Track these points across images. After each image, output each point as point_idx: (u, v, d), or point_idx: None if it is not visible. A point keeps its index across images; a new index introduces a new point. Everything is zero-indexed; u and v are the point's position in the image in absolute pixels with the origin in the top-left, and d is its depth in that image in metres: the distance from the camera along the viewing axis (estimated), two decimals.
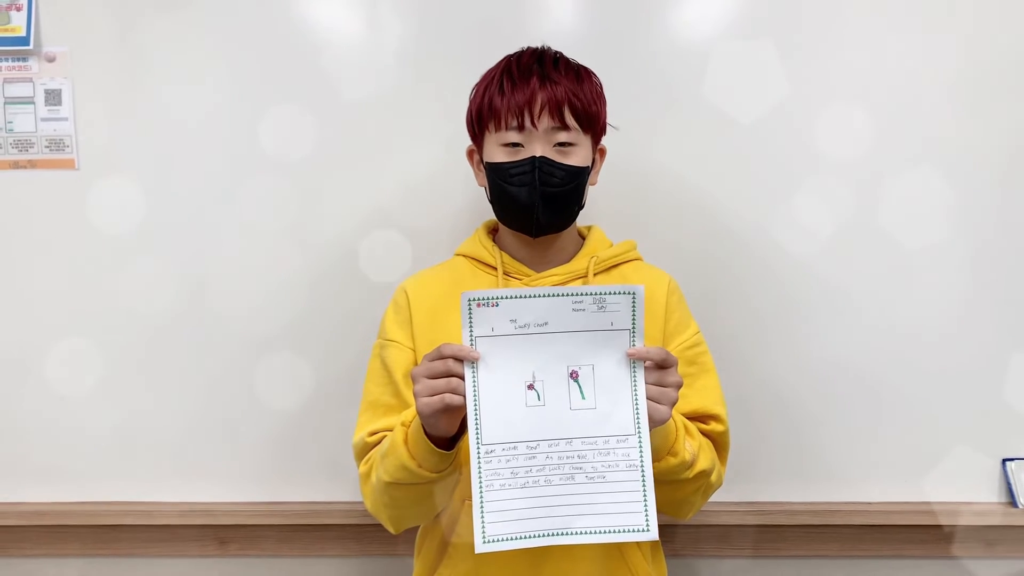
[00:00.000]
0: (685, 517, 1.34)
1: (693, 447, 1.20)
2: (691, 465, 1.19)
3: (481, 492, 1.06)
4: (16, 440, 1.71)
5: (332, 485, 1.69)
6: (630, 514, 1.07)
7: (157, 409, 1.69)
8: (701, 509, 1.36)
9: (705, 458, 1.23)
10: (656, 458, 1.15)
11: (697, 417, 1.30)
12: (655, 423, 1.09)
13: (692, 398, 1.30)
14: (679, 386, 1.10)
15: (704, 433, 1.29)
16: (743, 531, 1.69)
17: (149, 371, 1.69)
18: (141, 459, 1.71)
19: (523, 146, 1.25)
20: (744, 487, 1.68)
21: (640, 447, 1.08)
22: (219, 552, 1.71)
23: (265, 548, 1.71)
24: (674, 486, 1.22)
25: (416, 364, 1.28)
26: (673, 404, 1.10)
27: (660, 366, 1.09)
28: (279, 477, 1.71)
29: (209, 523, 1.69)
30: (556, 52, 1.32)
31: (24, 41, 1.63)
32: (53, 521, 1.69)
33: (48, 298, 1.68)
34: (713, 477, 1.26)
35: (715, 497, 1.35)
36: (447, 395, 1.05)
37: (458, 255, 1.40)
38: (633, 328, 1.08)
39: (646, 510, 1.07)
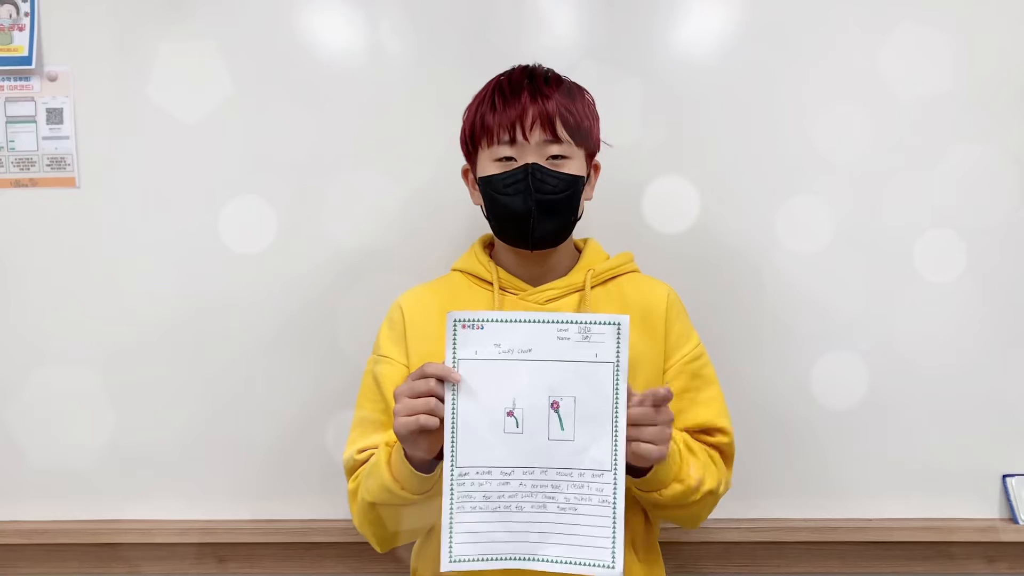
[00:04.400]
0: (693, 527, 1.35)
1: (698, 470, 1.20)
2: (697, 489, 1.19)
3: (451, 514, 1.08)
4: (15, 458, 1.70)
5: (331, 503, 1.68)
6: (597, 548, 1.08)
7: (156, 427, 1.69)
8: (702, 525, 1.37)
9: (711, 478, 1.23)
10: (663, 486, 1.16)
11: (703, 430, 1.30)
12: (652, 461, 1.09)
13: (696, 412, 1.30)
14: (671, 422, 1.10)
15: (710, 445, 1.29)
16: (743, 548, 1.68)
17: (148, 389, 1.69)
18: (140, 477, 1.70)
19: (516, 160, 1.26)
20: (744, 504, 1.68)
21: (615, 483, 1.07)
22: (218, 570, 1.70)
23: (264, 566, 1.70)
24: (682, 507, 1.22)
25: None
26: (668, 442, 1.09)
27: (654, 404, 1.08)
28: (278, 495, 1.70)
29: (208, 541, 1.68)
30: (547, 69, 1.33)
31: (26, 60, 1.64)
32: (52, 539, 1.68)
33: (47, 316, 1.68)
34: (721, 489, 1.27)
35: (716, 514, 1.34)
36: (422, 417, 1.05)
37: (454, 270, 1.40)
38: (617, 362, 1.07)
39: (613, 546, 1.07)
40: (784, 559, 1.69)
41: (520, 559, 1.09)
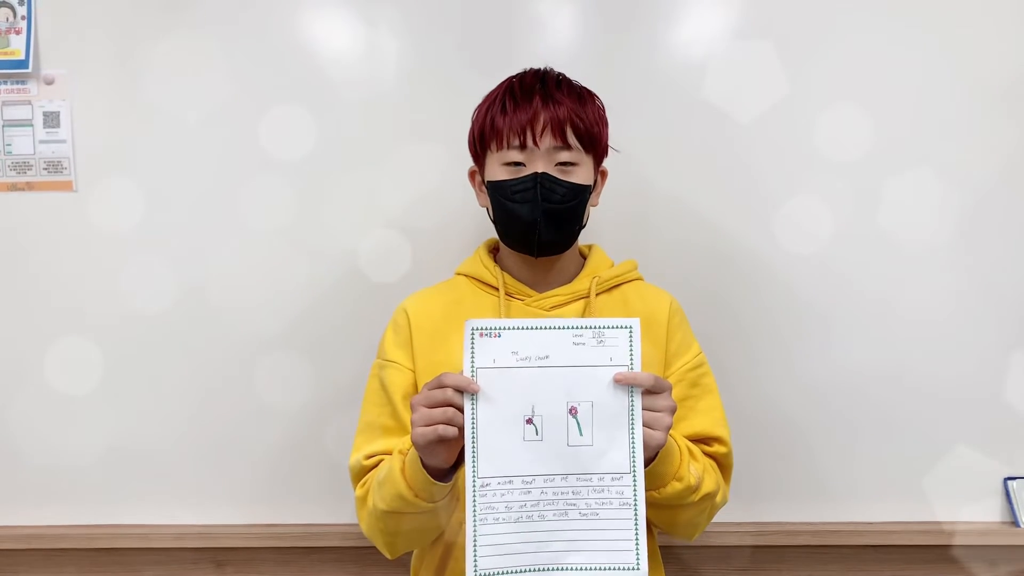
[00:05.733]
0: (691, 539, 1.34)
1: (698, 471, 1.20)
2: (696, 489, 1.19)
3: (475, 526, 1.07)
4: (13, 462, 1.70)
5: (330, 507, 1.68)
6: (621, 552, 1.08)
7: (154, 432, 1.69)
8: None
9: (710, 480, 1.23)
10: (661, 483, 1.16)
11: (700, 439, 1.29)
12: (651, 449, 1.09)
13: (695, 420, 1.30)
14: (672, 410, 1.10)
15: (707, 455, 1.29)
16: (743, 552, 1.68)
17: (146, 393, 1.68)
18: (137, 481, 1.70)
19: (525, 165, 1.25)
20: (744, 507, 1.67)
21: (634, 485, 1.08)
22: (216, 575, 1.70)
23: (263, 571, 1.70)
24: (680, 509, 1.22)
25: (415, 385, 1.29)
26: (667, 429, 1.09)
27: (651, 391, 1.09)
28: (277, 499, 1.70)
29: (206, 546, 1.67)
30: (559, 73, 1.32)
31: (23, 64, 1.64)
32: (49, 544, 1.67)
33: (45, 321, 1.67)
34: (718, 498, 1.26)
35: (716, 517, 1.34)
36: (441, 427, 1.05)
37: (459, 274, 1.40)
38: (631, 365, 1.08)
39: (637, 548, 1.08)
40: (784, 563, 1.69)
41: (546, 569, 1.08)
